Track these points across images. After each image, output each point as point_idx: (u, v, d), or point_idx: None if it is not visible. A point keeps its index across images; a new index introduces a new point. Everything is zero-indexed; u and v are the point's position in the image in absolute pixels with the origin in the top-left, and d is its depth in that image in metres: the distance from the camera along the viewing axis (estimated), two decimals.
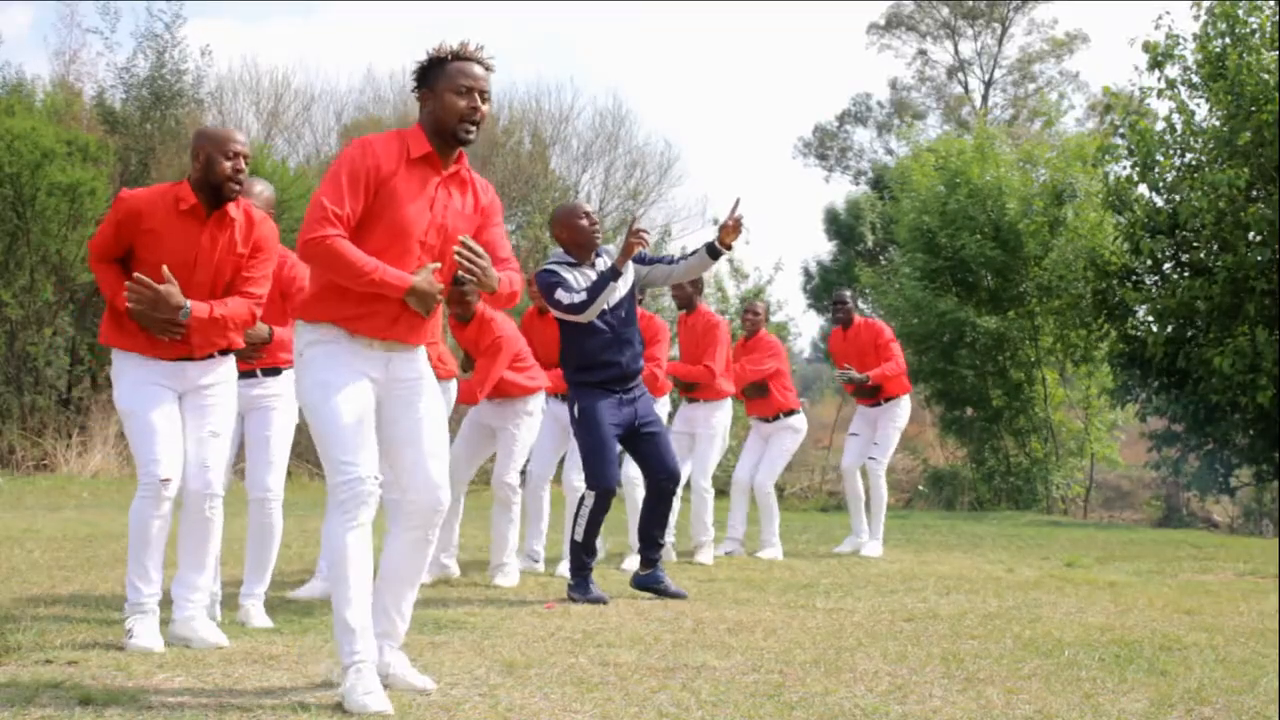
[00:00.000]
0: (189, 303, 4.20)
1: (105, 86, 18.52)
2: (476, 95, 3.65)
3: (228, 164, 4.23)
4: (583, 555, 5.82)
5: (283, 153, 21.91)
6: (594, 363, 5.80)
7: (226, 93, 22.78)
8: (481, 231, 3.79)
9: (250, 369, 4.84)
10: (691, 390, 7.81)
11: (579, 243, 5.83)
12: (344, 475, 3.49)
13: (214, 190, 4.26)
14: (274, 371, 4.93)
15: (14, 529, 8.80)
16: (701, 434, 7.83)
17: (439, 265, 3.67)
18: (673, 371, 7.65)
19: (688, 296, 7.73)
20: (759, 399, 8.39)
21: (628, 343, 5.89)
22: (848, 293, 8.84)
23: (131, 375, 4.31)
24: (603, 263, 5.84)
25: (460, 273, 3.63)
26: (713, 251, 5.95)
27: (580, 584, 5.76)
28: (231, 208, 4.34)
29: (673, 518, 7.29)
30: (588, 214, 5.89)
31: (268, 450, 4.88)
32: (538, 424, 6.67)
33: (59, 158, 15.45)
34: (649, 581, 5.95)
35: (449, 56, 3.67)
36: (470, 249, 3.59)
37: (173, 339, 4.28)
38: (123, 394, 4.31)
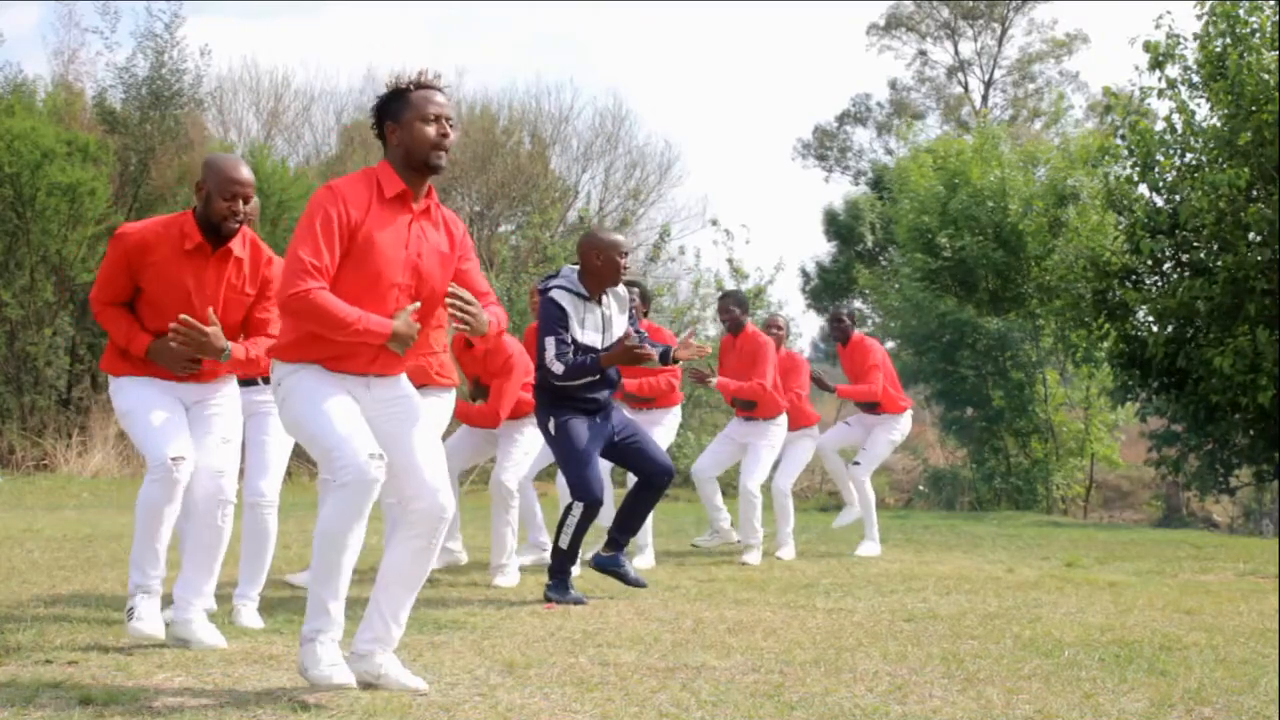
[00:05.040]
0: (230, 345, 4.22)
1: (105, 86, 18.50)
2: (444, 121, 3.63)
3: (224, 204, 4.21)
4: (565, 562, 5.80)
5: (283, 153, 21.89)
6: (575, 396, 5.77)
7: (226, 93, 22.80)
8: (459, 267, 3.77)
9: (251, 377, 4.84)
10: (751, 410, 7.95)
11: (604, 278, 5.72)
12: (342, 457, 3.45)
13: (213, 228, 4.26)
14: None
15: (14, 529, 8.80)
16: (758, 444, 7.95)
17: (418, 305, 3.65)
18: (722, 389, 7.76)
19: (736, 319, 7.87)
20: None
21: (609, 381, 5.87)
22: (845, 311, 8.81)
23: (135, 388, 4.30)
24: (608, 304, 5.77)
25: (454, 324, 3.63)
26: (664, 359, 6.06)
27: (559, 585, 5.74)
28: (236, 244, 4.32)
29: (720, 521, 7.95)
30: (625, 254, 5.76)
31: (264, 455, 4.87)
32: (540, 435, 6.69)
33: (59, 158, 15.45)
34: (610, 564, 5.91)
35: (410, 87, 3.63)
36: (461, 299, 3.58)
37: (189, 373, 4.30)
38: (123, 401, 4.30)
